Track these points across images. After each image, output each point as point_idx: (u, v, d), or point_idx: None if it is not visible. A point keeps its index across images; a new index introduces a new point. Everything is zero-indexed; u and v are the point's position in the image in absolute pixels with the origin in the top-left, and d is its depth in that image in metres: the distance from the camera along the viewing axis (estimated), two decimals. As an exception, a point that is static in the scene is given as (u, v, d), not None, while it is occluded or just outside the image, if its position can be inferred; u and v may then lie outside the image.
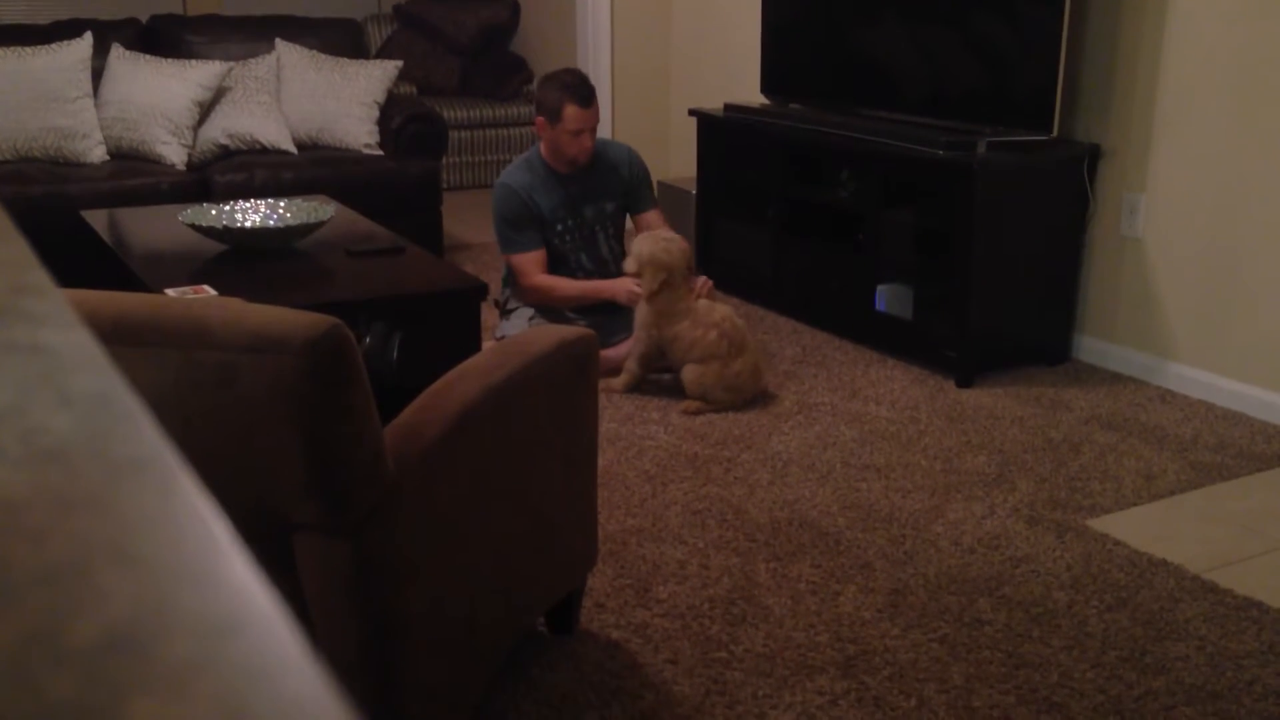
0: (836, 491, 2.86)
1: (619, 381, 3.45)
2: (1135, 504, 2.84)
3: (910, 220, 3.82)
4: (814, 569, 2.50)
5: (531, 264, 3.52)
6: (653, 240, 3.38)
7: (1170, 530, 2.71)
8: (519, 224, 3.50)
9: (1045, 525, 2.71)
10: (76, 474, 0.34)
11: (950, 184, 3.57)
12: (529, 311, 3.58)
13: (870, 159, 3.86)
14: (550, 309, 3.56)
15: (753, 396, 3.42)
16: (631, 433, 3.21)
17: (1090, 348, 3.80)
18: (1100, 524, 2.72)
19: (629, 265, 3.38)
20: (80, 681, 0.26)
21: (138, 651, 0.27)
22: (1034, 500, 2.83)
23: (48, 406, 0.37)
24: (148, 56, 4.68)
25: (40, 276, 0.46)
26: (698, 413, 3.33)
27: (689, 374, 3.36)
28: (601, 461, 2.94)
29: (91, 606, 0.28)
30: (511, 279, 3.65)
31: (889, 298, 3.87)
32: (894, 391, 3.55)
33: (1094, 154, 3.66)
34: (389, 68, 4.95)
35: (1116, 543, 2.62)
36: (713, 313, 3.39)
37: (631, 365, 3.45)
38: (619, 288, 3.45)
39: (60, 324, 0.42)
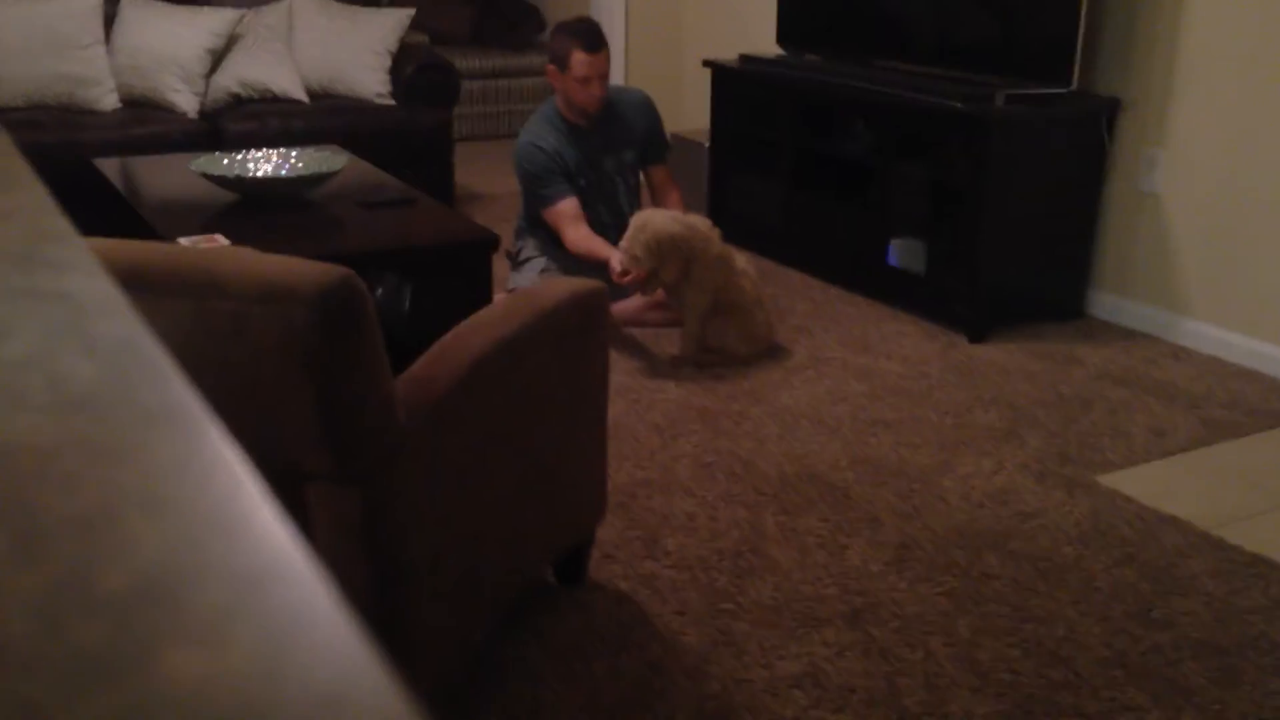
0: (845, 446, 2.87)
1: (685, 351, 3.33)
2: (1145, 460, 2.84)
3: (925, 174, 3.79)
4: (822, 522, 2.51)
5: (569, 214, 3.43)
6: (646, 225, 3.21)
7: (1179, 486, 2.71)
8: (548, 178, 3.46)
9: (1054, 480, 2.71)
10: (102, 421, 0.34)
11: (967, 137, 3.53)
12: (540, 263, 3.57)
13: (886, 111, 3.82)
14: (561, 261, 3.54)
15: (764, 349, 3.41)
16: (642, 385, 3.21)
17: (1104, 303, 3.78)
18: (1110, 480, 2.72)
19: (623, 252, 3.21)
20: (111, 629, 0.26)
21: (168, 600, 0.27)
22: (1043, 455, 2.84)
23: (73, 353, 0.37)
24: (160, 3, 4.64)
25: (62, 224, 0.46)
26: (708, 365, 3.33)
27: (712, 327, 3.34)
28: (611, 413, 2.94)
29: (122, 554, 0.28)
30: (527, 231, 3.63)
31: (901, 252, 3.85)
32: (905, 346, 3.54)
33: (1113, 107, 3.62)
34: (401, 16, 4.91)
35: (1125, 498, 2.63)
36: (737, 260, 3.36)
37: (693, 327, 3.30)
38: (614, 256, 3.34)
39: (83, 271, 0.42)
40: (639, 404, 3.09)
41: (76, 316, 0.39)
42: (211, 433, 0.35)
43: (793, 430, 2.95)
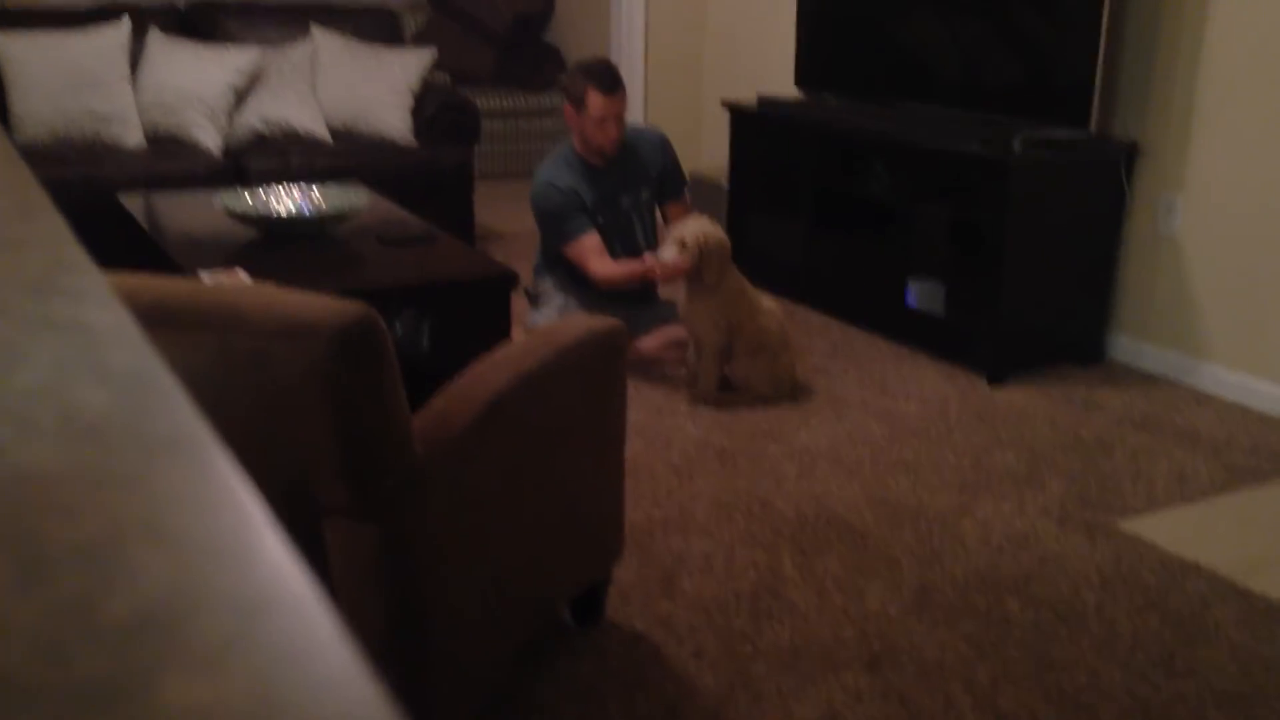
0: (864, 487, 2.85)
1: (704, 391, 3.34)
2: (1167, 506, 2.81)
3: (944, 215, 3.79)
4: (840, 564, 2.49)
5: (593, 248, 3.46)
6: (698, 221, 3.31)
7: (1202, 533, 2.68)
8: (566, 214, 3.48)
9: (1075, 525, 2.69)
10: (112, 450, 0.34)
11: (985, 179, 3.54)
12: (559, 301, 3.58)
13: (905, 153, 3.83)
14: (581, 299, 3.55)
15: (788, 392, 3.40)
16: (659, 423, 3.20)
17: (1125, 347, 3.76)
18: (1131, 525, 2.70)
19: (669, 248, 3.26)
20: (112, 658, 0.26)
21: (170, 629, 0.27)
22: (1064, 500, 2.81)
23: (85, 383, 0.37)
24: (185, 41, 4.71)
25: (78, 254, 0.46)
26: (726, 404, 3.31)
27: (739, 368, 3.34)
28: (629, 452, 2.94)
29: (124, 583, 0.28)
30: (545, 270, 3.65)
31: (921, 293, 3.84)
32: (924, 388, 3.53)
33: (1131, 152, 3.62)
34: (423, 55, 4.96)
35: (1148, 544, 2.60)
36: (762, 301, 3.37)
37: (710, 366, 3.32)
38: (657, 261, 3.36)
39: (98, 301, 0.42)
40: (656, 442, 3.08)
41: (90, 346, 0.40)
42: (220, 463, 0.35)
43: (811, 471, 2.94)
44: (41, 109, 4.37)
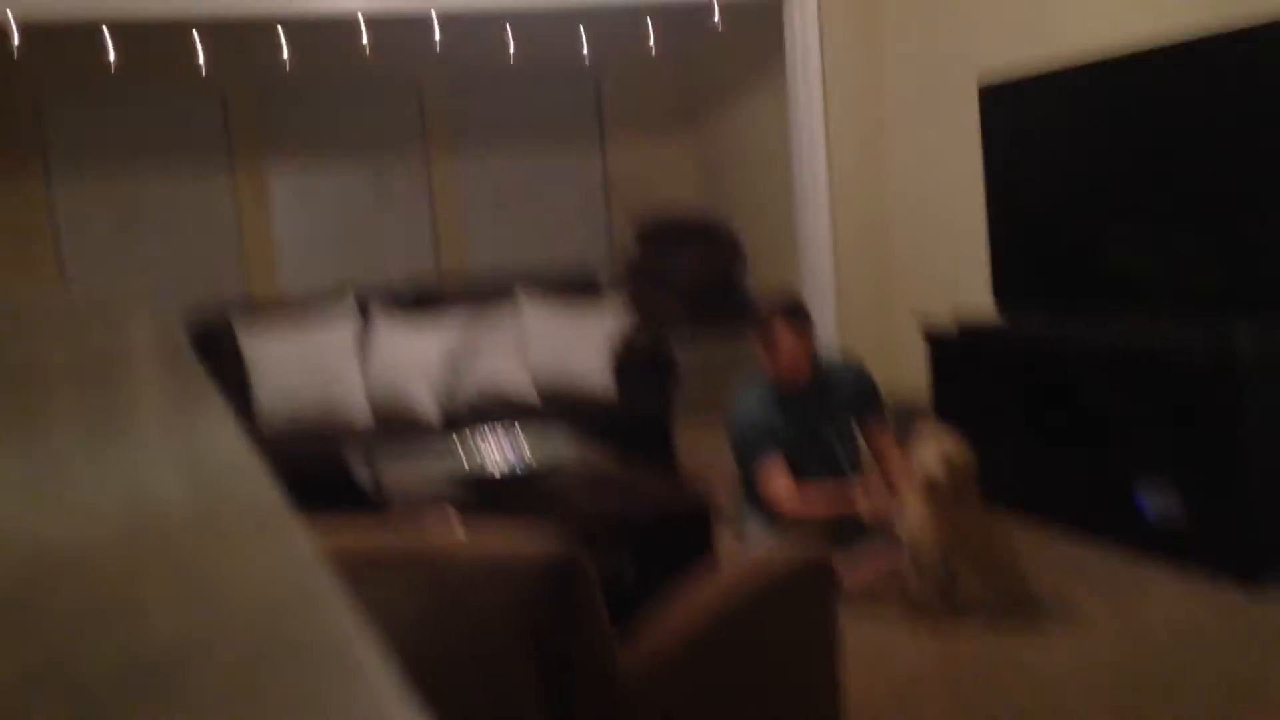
0: (1118, 716, 2.60)
1: (923, 601, 3.21)
2: None
3: (1170, 419, 3.58)
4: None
5: (773, 471, 3.46)
6: (939, 442, 3.21)
7: None
8: (755, 439, 3.50)
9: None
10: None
11: (1211, 380, 3.35)
12: (763, 533, 3.53)
13: (1119, 361, 3.69)
14: (785, 530, 3.49)
15: (1010, 595, 3.18)
16: (879, 645, 3.05)
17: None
18: None
19: (917, 467, 3.16)
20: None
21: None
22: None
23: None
24: (405, 318, 5.08)
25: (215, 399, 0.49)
26: (948, 616, 3.13)
27: (967, 584, 3.16)
28: (846, 681, 2.79)
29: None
30: (746, 501, 3.63)
31: (1155, 503, 3.60)
32: (1169, 602, 3.25)
33: (1367, 333, 3.38)
34: (622, 311, 5.19)
35: None
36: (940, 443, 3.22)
37: (930, 578, 3.17)
38: (861, 500, 3.34)
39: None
40: (874, 668, 2.92)
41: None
42: (368, 671, 0.34)
43: (1053, 699, 2.71)
44: (282, 401, 4.74)
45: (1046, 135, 4.27)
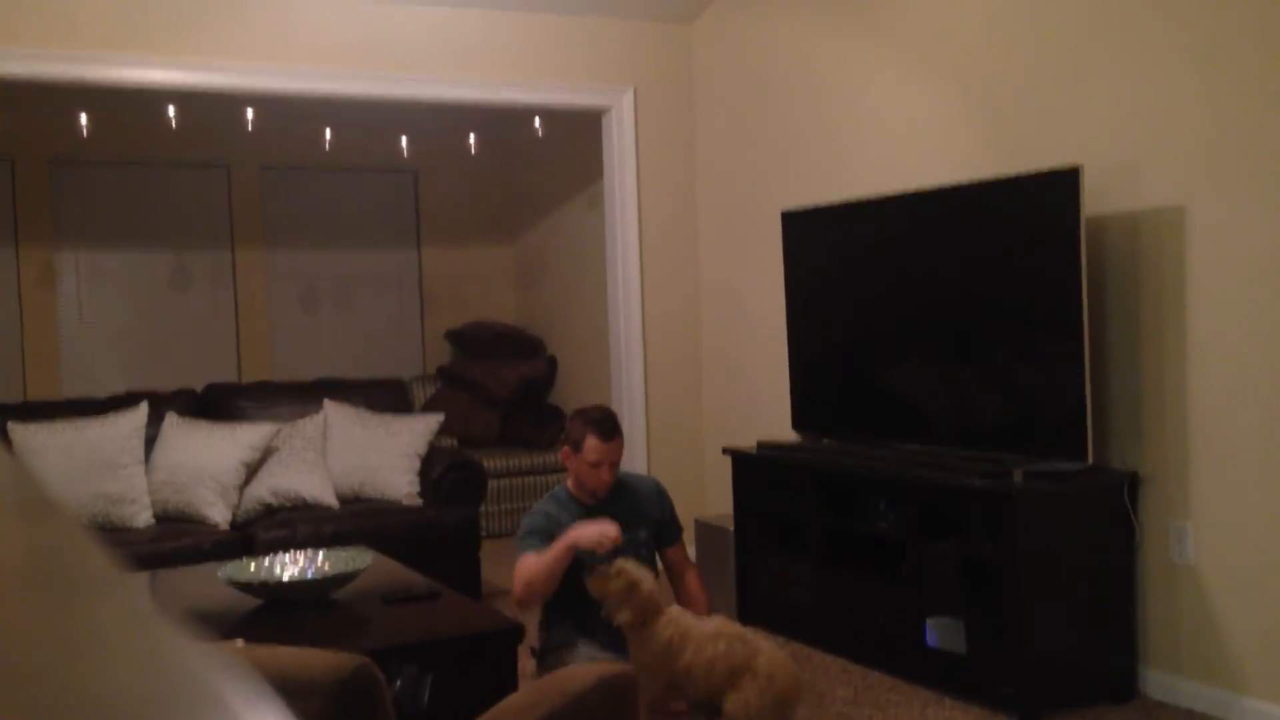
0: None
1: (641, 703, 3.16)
2: None
3: (953, 550, 3.75)
4: None
5: (523, 561, 3.38)
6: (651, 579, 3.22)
7: None
8: (525, 539, 3.42)
9: None
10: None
11: (990, 513, 3.53)
12: (566, 653, 3.47)
13: (907, 490, 3.85)
14: (588, 649, 3.43)
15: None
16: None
17: (1158, 682, 3.59)
18: None
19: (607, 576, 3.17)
20: None
21: None
22: None
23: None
24: (199, 422, 4.84)
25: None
26: None
27: (733, 702, 3.17)
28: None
29: None
30: (552, 623, 3.56)
31: (939, 631, 3.73)
32: (953, 733, 3.34)
33: (1133, 481, 3.61)
34: (431, 421, 5.10)
35: None
36: (706, 624, 3.22)
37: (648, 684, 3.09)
38: (583, 534, 3.26)
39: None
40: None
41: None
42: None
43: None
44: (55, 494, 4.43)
45: (842, 265, 4.48)
